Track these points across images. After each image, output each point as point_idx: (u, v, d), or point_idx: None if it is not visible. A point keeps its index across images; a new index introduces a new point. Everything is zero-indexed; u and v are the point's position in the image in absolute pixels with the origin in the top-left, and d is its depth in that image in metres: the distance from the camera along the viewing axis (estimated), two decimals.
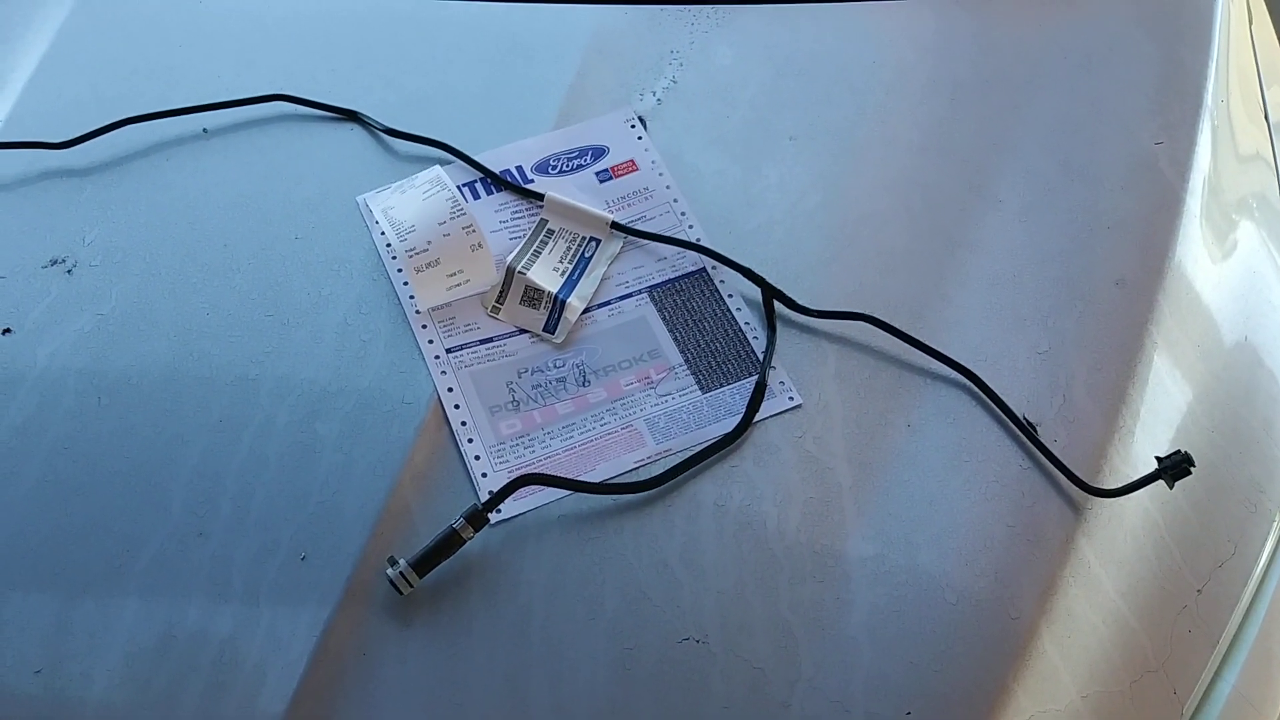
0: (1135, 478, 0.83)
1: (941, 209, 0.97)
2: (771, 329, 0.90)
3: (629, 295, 0.93)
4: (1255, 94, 1.14)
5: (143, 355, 0.89)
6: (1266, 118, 1.14)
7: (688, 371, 0.89)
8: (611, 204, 0.98)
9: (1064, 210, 0.97)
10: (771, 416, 0.86)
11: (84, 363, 0.88)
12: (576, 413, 0.87)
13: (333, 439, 0.84)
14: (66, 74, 1.07)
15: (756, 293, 0.92)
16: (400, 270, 0.93)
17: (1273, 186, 1.09)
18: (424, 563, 0.77)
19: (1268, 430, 0.91)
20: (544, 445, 0.85)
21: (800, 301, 0.91)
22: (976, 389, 0.87)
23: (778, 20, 1.11)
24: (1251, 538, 0.86)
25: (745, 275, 0.92)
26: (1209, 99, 1.04)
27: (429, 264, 0.91)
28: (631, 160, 1.01)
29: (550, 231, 0.97)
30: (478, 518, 0.78)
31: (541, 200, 0.98)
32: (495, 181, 0.99)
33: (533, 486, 0.81)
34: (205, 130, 1.03)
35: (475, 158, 1.00)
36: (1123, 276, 0.93)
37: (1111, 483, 0.83)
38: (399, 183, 0.98)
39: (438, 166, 0.99)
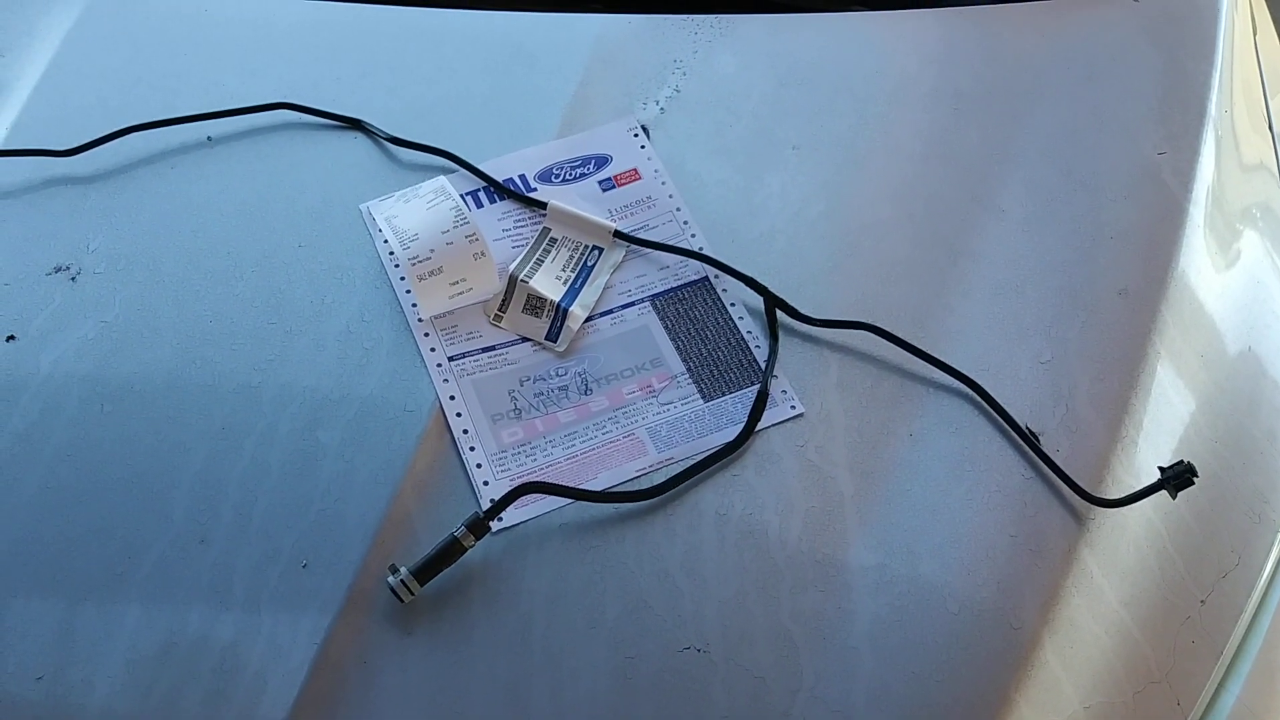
0: (1138, 488, 0.83)
1: (944, 218, 0.97)
2: (774, 338, 0.90)
3: (631, 304, 0.93)
4: (1259, 103, 1.14)
5: (146, 362, 0.89)
6: (1270, 127, 1.14)
7: (690, 380, 0.89)
8: (614, 213, 0.99)
9: (1067, 220, 0.97)
10: (773, 425, 0.86)
11: (87, 370, 0.88)
12: (578, 421, 0.87)
13: (334, 447, 0.84)
14: (72, 82, 1.07)
15: (759, 301, 0.92)
16: (403, 278, 0.93)
17: (1276, 196, 1.09)
18: (425, 571, 0.77)
19: (1271, 440, 0.91)
20: (545, 453, 0.85)
21: (802, 310, 0.91)
22: (979, 398, 0.87)
23: (780, 30, 1.11)
24: (1255, 548, 0.86)
25: (747, 284, 0.92)
26: (1212, 109, 1.04)
27: (432, 272, 0.91)
28: (634, 169, 1.01)
29: (553, 240, 0.97)
30: (479, 526, 0.78)
31: (544, 209, 0.98)
32: (498, 190, 0.99)
33: (534, 495, 0.81)
34: (209, 138, 1.03)
35: (478, 166, 1.00)
36: (1126, 286, 0.93)
37: (1114, 493, 0.83)
38: (402, 191, 0.98)
39: (442, 176, 0.99)
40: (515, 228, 0.98)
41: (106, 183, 1.00)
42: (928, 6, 1.12)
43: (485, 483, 0.83)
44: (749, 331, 0.91)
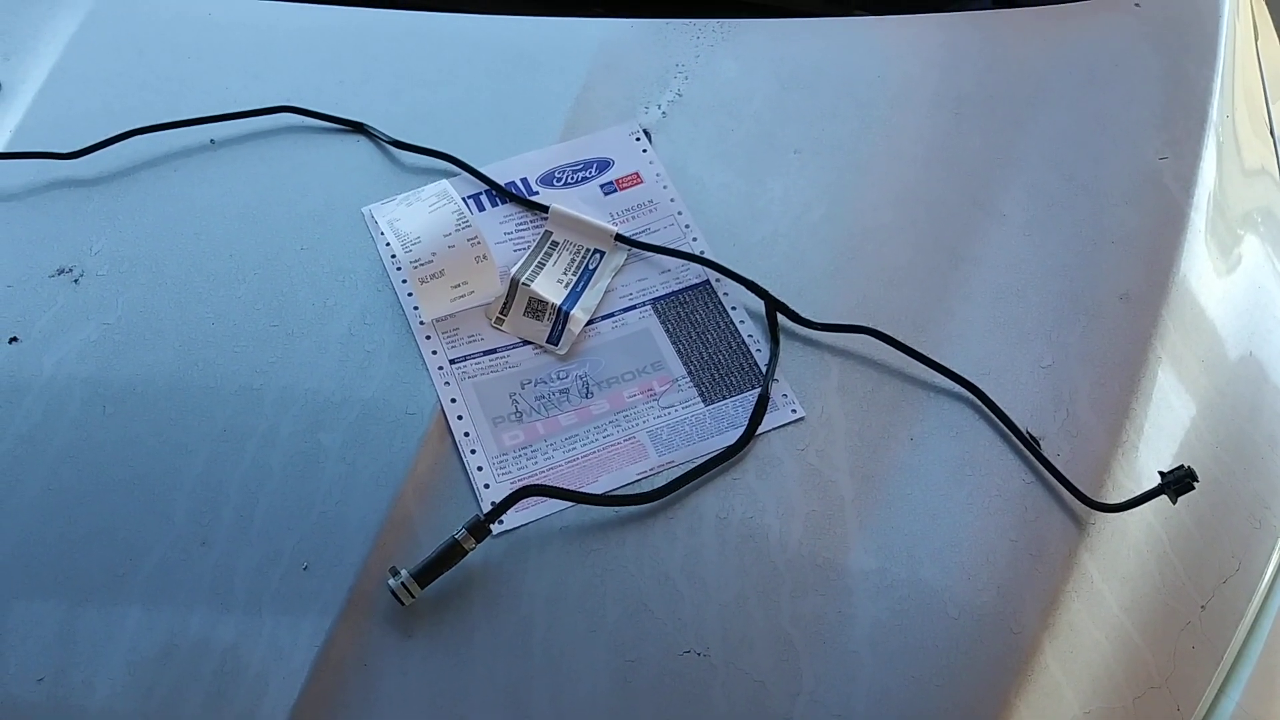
0: (1139, 493, 0.83)
1: (945, 223, 0.97)
2: (774, 341, 0.90)
3: (632, 307, 0.93)
4: (1261, 109, 1.14)
5: (148, 364, 0.89)
6: (1272, 133, 1.14)
7: (690, 384, 0.89)
8: (616, 216, 0.99)
9: (1068, 224, 0.97)
10: (774, 429, 0.86)
11: (90, 371, 0.88)
12: (579, 424, 0.87)
13: (336, 449, 0.84)
14: (75, 85, 1.07)
15: (760, 305, 0.92)
16: (405, 281, 0.93)
17: (1278, 201, 1.09)
18: (426, 573, 0.77)
19: (1272, 445, 0.91)
20: (546, 456, 0.85)
21: (803, 314, 0.91)
22: (980, 403, 0.87)
23: (783, 34, 1.11)
24: (1255, 553, 0.86)
25: (749, 288, 0.92)
26: (1214, 114, 1.04)
27: (433, 275, 0.91)
28: (636, 173, 1.01)
29: (555, 243, 0.97)
30: (480, 528, 0.79)
31: (546, 212, 0.98)
32: (500, 193, 1.00)
33: (535, 498, 0.81)
34: (212, 141, 1.03)
35: (480, 169, 1.00)
36: (1127, 291, 0.93)
37: (1115, 497, 0.83)
38: (405, 194, 0.98)
39: (444, 180, 0.99)
40: (517, 231, 0.98)
41: (110, 185, 1.00)
42: (930, 11, 1.13)
43: (486, 485, 0.83)
44: (750, 335, 0.91)
